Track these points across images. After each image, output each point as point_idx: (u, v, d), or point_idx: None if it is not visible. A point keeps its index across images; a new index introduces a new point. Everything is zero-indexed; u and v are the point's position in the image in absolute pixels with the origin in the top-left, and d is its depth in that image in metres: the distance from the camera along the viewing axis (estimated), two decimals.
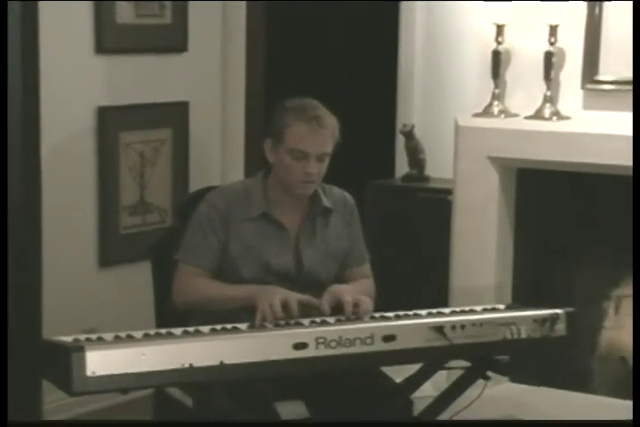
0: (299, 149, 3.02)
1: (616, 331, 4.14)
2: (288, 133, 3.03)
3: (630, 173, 3.75)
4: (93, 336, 2.61)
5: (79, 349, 2.44)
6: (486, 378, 2.97)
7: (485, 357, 2.94)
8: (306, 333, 2.69)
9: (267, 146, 3.10)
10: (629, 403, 3.96)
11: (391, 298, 3.94)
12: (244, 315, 2.89)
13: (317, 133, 3.02)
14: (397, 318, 2.90)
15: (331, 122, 3.06)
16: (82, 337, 2.60)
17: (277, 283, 3.07)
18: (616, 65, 3.86)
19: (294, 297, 2.90)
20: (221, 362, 2.56)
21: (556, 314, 2.99)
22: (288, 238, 3.12)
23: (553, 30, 3.89)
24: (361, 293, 3.08)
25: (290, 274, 3.10)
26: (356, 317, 2.89)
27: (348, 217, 3.23)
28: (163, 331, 2.71)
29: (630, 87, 3.82)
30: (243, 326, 2.78)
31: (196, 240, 3.08)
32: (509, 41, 4.01)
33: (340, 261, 3.20)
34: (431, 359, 2.96)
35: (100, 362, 2.44)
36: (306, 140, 3.01)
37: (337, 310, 2.95)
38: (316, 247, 3.14)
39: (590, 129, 3.79)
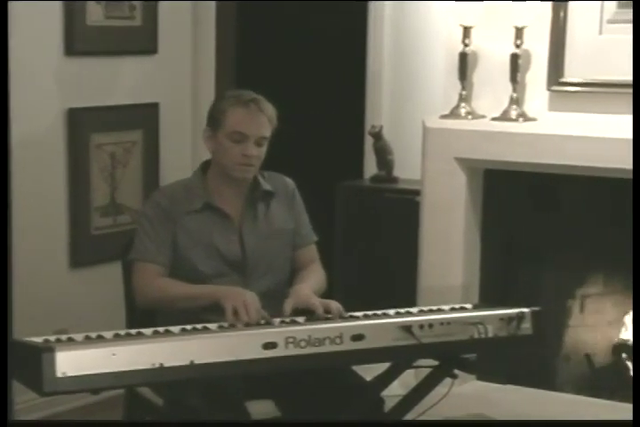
0: (238, 132, 3.08)
1: (581, 329, 4.17)
2: (227, 117, 3.09)
3: (596, 173, 3.80)
4: (64, 337, 2.62)
5: (49, 349, 2.44)
6: (454, 376, 3.00)
7: (453, 355, 2.96)
8: (275, 332, 2.71)
9: (205, 134, 3.17)
10: (594, 400, 4.03)
11: (360, 298, 3.99)
12: (210, 315, 2.91)
13: (255, 116, 3.09)
14: (366, 317, 2.92)
15: (268, 106, 3.13)
16: (52, 338, 2.61)
17: (233, 272, 3.12)
18: (581, 67, 3.89)
19: (258, 305, 2.93)
20: (192, 362, 2.57)
21: (522, 313, 3.02)
22: (232, 225, 3.17)
23: (519, 32, 3.92)
24: (317, 284, 3.16)
25: (238, 260, 3.14)
26: (328, 318, 2.93)
27: (290, 200, 3.27)
28: (133, 331, 2.72)
29: (595, 89, 3.86)
30: (213, 326, 2.79)
31: (146, 238, 3.12)
32: (476, 43, 4.04)
33: (290, 243, 3.24)
34: (400, 358, 2.98)
35: (70, 362, 2.44)
36: (244, 123, 3.08)
37: (302, 312, 2.98)
38: (259, 232, 3.18)
39: (556, 130, 3.83)
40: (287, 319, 2.87)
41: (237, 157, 3.10)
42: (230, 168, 3.12)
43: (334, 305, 2.99)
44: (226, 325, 2.81)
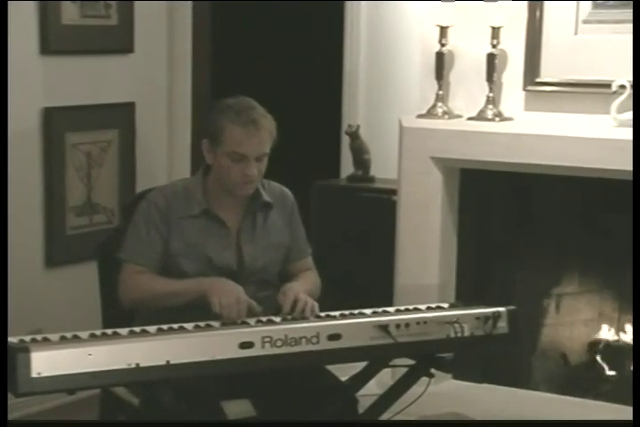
0: (237, 152, 3.02)
1: (556, 328, 4.19)
2: (225, 137, 3.02)
3: (572, 173, 3.81)
4: (39, 337, 2.60)
5: (24, 349, 2.44)
6: (430, 376, 3.01)
7: (429, 354, 2.97)
8: (252, 332, 2.71)
9: (204, 147, 3.11)
10: (569, 399, 4.05)
11: (336, 297, 3.98)
12: (188, 315, 2.90)
13: (254, 136, 3.02)
14: (343, 316, 2.93)
15: (267, 123, 3.05)
16: (27, 338, 2.59)
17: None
18: (557, 67, 3.90)
19: (244, 297, 2.92)
20: (168, 362, 2.57)
21: (499, 312, 3.03)
22: (229, 234, 3.14)
23: (495, 32, 3.93)
24: (309, 284, 3.17)
25: (232, 270, 3.12)
26: (299, 316, 2.93)
27: (289, 212, 3.25)
28: (109, 331, 2.71)
29: (571, 89, 3.88)
30: (189, 325, 2.78)
31: (138, 239, 3.09)
32: (453, 43, 4.05)
33: (283, 255, 3.23)
34: (376, 358, 2.99)
35: (45, 363, 2.44)
36: (243, 144, 3.01)
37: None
38: (257, 242, 3.16)
39: (532, 130, 3.84)
40: (263, 319, 2.87)
41: (238, 176, 3.04)
42: (231, 186, 3.08)
43: (301, 304, 2.97)
44: (202, 324, 2.80)
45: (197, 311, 2.91)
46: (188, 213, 3.11)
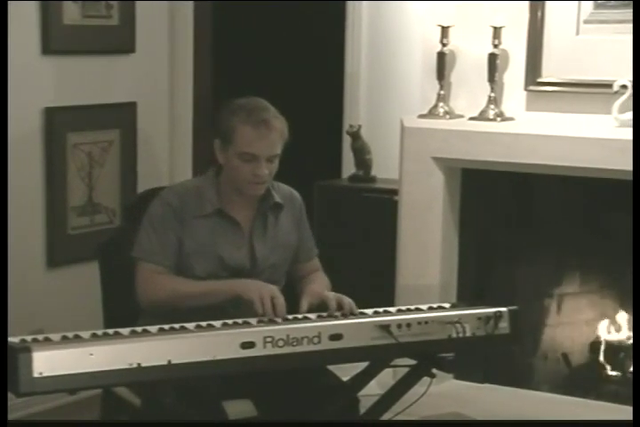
0: (248, 153, 3.02)
1: (558, 329, 4.19)
2: (236, 137, 3.02)
3: (573, 173, 3.81)
4: (40, 337, 2.60)
5: (26, 349, 2.44)
6: (431, 376, 3.00)
7: (431, 354, 2.97)
8: (253, 332, 2.71)
9: (216, 147, 3.10)
10: (570, 398, 4.05)
11: None
12: (194, 316, 2.90)
13: (265, 137, 3.02)
14: (344, 316, 2.93)
15: (278, 124, 3.05)
16: (29, 338, 2.59)
17: (231, 278, 3.08)
18: (558, 67, 3.90)
19: (280, 294, 2.94)
20: (169, 361, 2.57)
21: (500, 312, 3.03)
22: (242, 234, 3.14)
23: (497, 32, 3.93)
24: (325, 286, 3.18)
25: (244, 269, 3.11)
26: (343, 313, 2.94)
27: (297, 213, 3.25)
28: (110, 331, 2.71)
29: (572, 89, 3.88)
30: (190, 325, 2.78)
31: (153, 238, 3.07)
32: (454, 43, 4.05)
33: (291, 256, 3.23)
34: (377, 358, 2.99)
35: (47, 363, 2.44)
36: (254, 144, 3.01)
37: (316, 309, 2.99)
38: (267, 242, 3.16)
39: (533, 130, 3.84)
40: (265, 319, 2.87)
41: (248, 176, 3.04)
42: (242, 186, 3.07)
43: (347, 300, 2.99)
44: (204, 324, 2.80)
45: (203, 312, 2.91)
46: (201, 212, 3.10)
